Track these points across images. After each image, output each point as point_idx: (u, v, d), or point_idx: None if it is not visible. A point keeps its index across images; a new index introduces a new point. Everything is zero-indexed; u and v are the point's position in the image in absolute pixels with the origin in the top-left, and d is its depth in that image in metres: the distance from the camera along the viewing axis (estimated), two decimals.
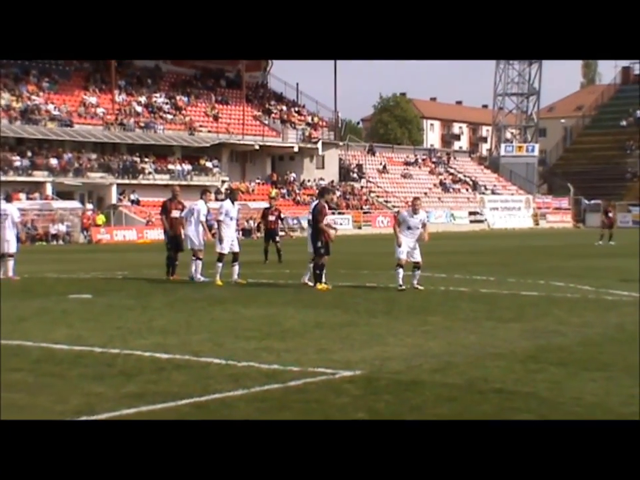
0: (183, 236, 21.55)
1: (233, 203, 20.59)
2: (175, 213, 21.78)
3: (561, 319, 13.47)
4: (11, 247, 21.60)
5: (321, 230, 18.85)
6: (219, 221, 20.32)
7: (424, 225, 18.76)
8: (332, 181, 75.62)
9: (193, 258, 21.00)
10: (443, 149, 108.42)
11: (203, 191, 22.28)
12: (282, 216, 30.77)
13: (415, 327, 12.62)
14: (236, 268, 20.18)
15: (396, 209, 64.82)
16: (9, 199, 23.30)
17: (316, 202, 19.65)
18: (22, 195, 55.74)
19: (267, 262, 27.81)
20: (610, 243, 41.69)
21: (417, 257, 18.40)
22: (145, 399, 7.84)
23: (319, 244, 18.77)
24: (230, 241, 20.24)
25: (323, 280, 18.74)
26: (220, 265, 19.93)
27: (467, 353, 10.37)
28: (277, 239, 28.78)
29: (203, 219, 21.06)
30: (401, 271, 18.16)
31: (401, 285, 18.01)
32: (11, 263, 21.59)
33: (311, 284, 19.01)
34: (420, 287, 18.21)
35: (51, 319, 13.87)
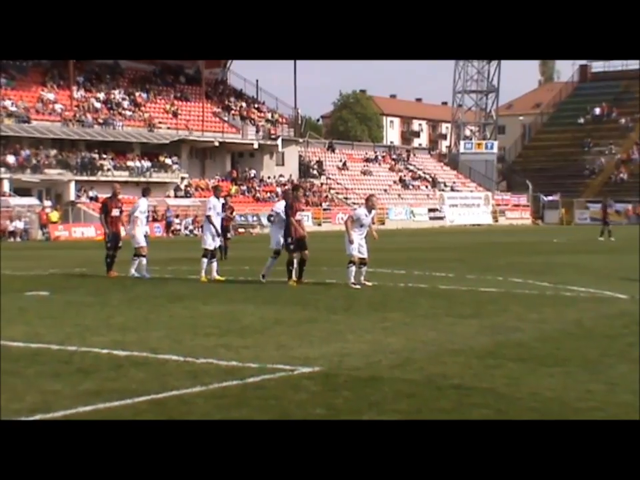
0: (122, 233, 21.72)
1: (217, 198, 20.46)
2: (115, 212, 21.73)
3: (520, 315, 13.55)
4: None
5: (291, 225, 18.80)
6: (208, 216, 20.20)
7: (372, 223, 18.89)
8: (290, 176, 75.65)
9: (134, 257, 21.05)
10: (403, 145, 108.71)
11: (145, 189, 22.22)
12: (231, 214, 30.81)
13: (375, 324, 12.64)
14: (214, 265, 20.16)
15: (355, 206, 64.92)
16: None
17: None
18: None
19: (226, 258, 27.76)
20: (610, 239, 41.28)
21: (365, 254, 18.38)
22: (103, 397, 7.78)
23: (289, 240, 18.76)
24: (214, 237, 20.12)
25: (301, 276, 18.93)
26: (205, 260, 19.90)
27: (426, 349, 10.41)
28: (228, 235, 28.77)
29: (137, 214, 21.03)
30: (353, 268, 18.14)
31: (354, 283, 17.99)
32: None
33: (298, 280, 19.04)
34: (368, 283, 18.24)
35: (7, 316, 13.71)
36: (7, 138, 59.91)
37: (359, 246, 18.20)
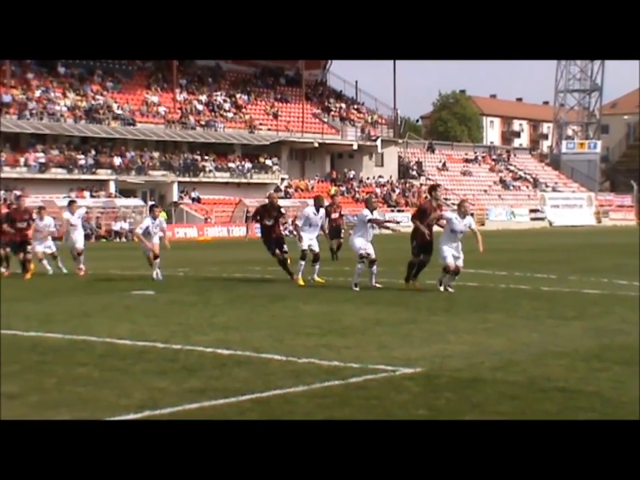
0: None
1: (317, 209, 20.37)
2: (269, 222, 21.36)
3: (625, 317, 13.29)
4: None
5: (418, 229, 18.11)
6: (296, 225, 20.84)
7: (474, 232, 17.65)
8: (390, 177, 75.59)
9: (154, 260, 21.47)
10: (503, 146, 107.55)
11: (151, 207, 23.51)
12: (342, 213, 30.78)
13: (476, 325, 12.57)
14: (317, 267, 20.22)
15: (454, 206, 64.50)
16: (71, 208, 24.00)
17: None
18: (86, 193, 56.63)
19: (337, 259, 27.79)
20: None
21: (461, 264, 17.45)
22: (207, 394, 7.91)
23: (414, 243, 18.33)
24: (309, 240, 20.23)
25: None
26: (302, 263, 19.98)
27: (529, 351, 10.30)
28: (342, 235, 28.74)
29: (138, 231, 21.95)
30: (447, 276, 17.45)
31: (441, 285, 17.41)
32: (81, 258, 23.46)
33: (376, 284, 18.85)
34: (450, 289, 17.41)
35: (114, 314, 14.07)
36: (113, 140, 61.33)
37: (452, 255, 17.26)
